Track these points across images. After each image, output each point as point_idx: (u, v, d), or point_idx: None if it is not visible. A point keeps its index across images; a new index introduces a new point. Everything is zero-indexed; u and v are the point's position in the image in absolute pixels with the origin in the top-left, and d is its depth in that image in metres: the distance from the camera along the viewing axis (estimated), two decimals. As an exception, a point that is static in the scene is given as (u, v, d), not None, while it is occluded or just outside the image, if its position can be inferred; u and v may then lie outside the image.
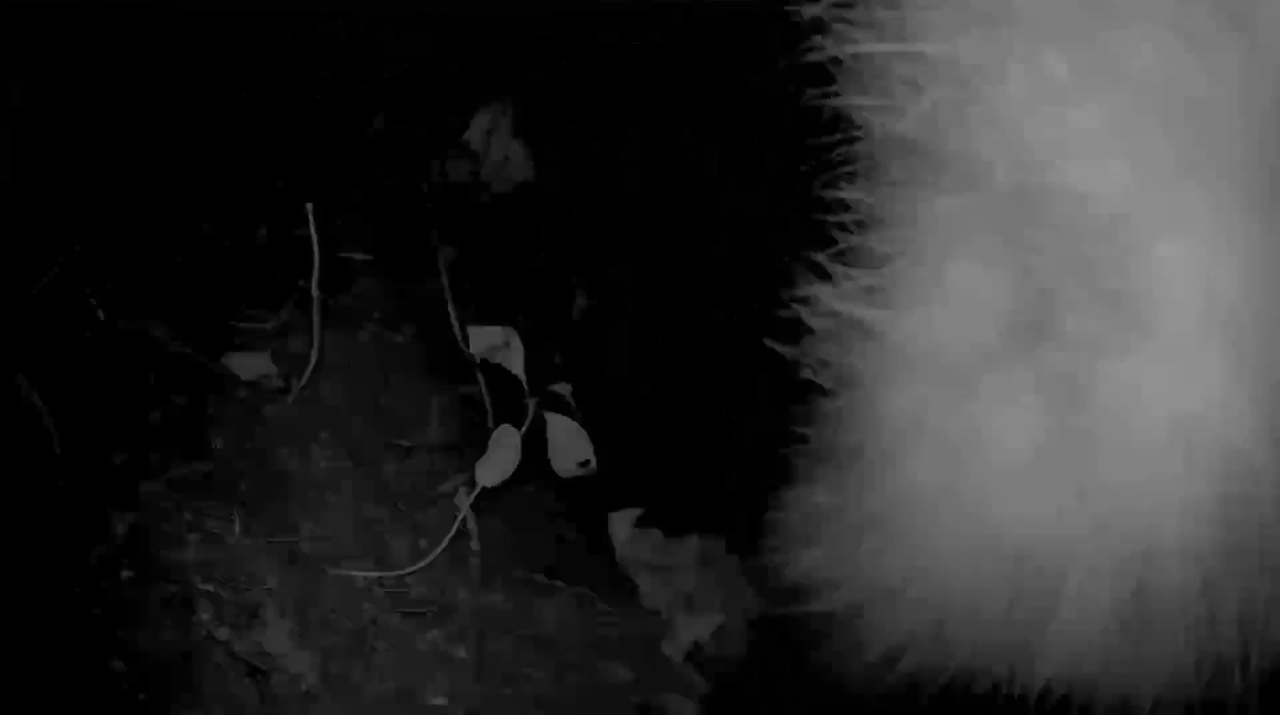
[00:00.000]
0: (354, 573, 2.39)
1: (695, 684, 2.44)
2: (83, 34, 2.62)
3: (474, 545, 2.49)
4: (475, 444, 2.57)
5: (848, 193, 1.99)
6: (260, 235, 2.79)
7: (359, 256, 2.77)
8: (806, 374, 2.15)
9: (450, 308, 2.61)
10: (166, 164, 2.85)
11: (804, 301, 2.08)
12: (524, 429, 2.31)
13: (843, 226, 2.01)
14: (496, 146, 2.94)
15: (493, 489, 2.38)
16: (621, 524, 2.55)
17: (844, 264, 2.01)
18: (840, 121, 2.00)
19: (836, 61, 1.98)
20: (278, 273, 2.63)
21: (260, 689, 2.24)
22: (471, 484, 2.39)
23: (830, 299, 2.03)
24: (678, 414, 2.75)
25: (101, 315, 2.56)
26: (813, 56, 1.99)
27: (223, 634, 2.28)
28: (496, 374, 2.50)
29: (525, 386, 2.32)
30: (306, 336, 2.61)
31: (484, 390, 2.57)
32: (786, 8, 1.99)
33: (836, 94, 1.99)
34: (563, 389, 2.33)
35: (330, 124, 2.83)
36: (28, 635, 2.24)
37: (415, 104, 2.86)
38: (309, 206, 2.35)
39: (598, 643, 2.45)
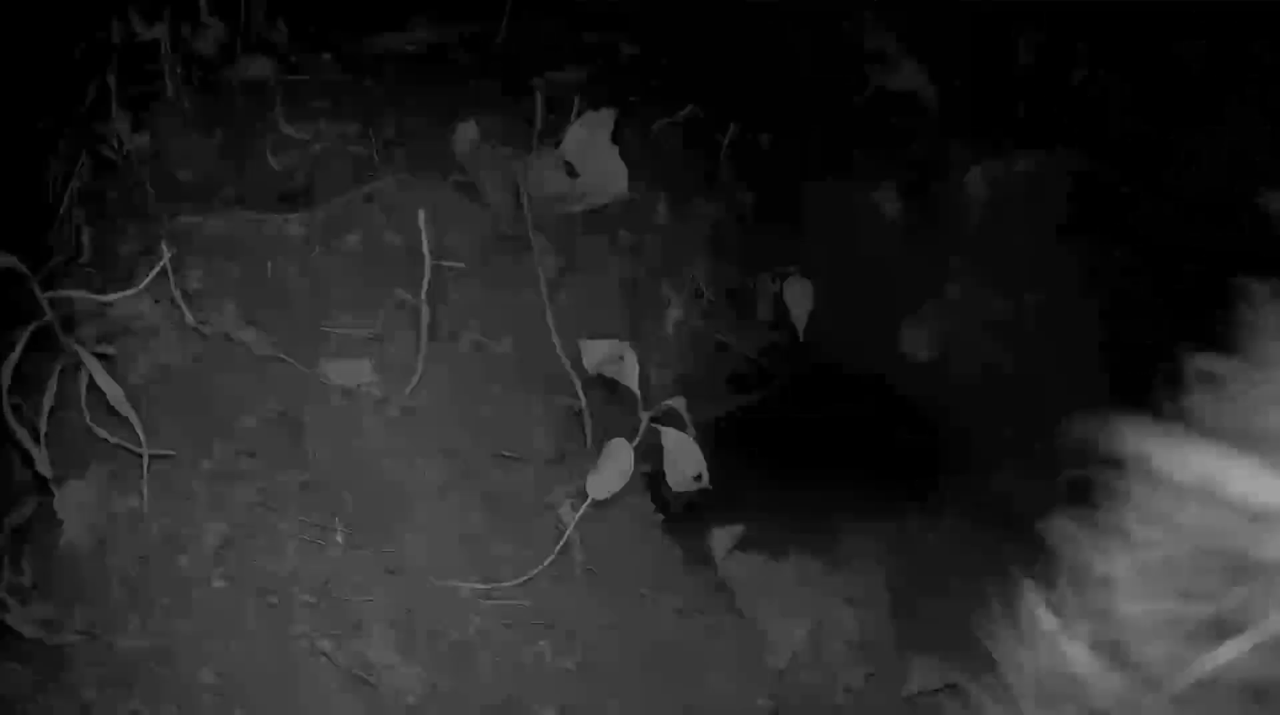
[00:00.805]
0: (459, 584, 2.34)
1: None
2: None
3: (579, 557, 2.45)
4: (577, 456, 2.54)
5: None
6: (351, 240, 2.77)
7: (455, 265, 2.74)
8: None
9: (550, 320, 2.58)
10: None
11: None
12: (636, 442, 2.29)
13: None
14: (594, 157, 2.93)
15: (597, 502, 2.35)
16: (723, 540, 2.53)
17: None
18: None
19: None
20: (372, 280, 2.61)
21: (363, 701, 2.19)
22: (578, 496, 2.36)
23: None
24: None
25: (189, 317, 2.52)
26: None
27: (325, 645, 2.22)
28: (595, 386, 2.48)
29: (639, 400, 2.30)
30: (404, 345, 2.57)
31: (584, 403, 2.54)
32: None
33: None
34: (677, 403, 2.31)
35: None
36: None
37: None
38: (421, 215, 2.32)
39: (699, 654, 2.41)
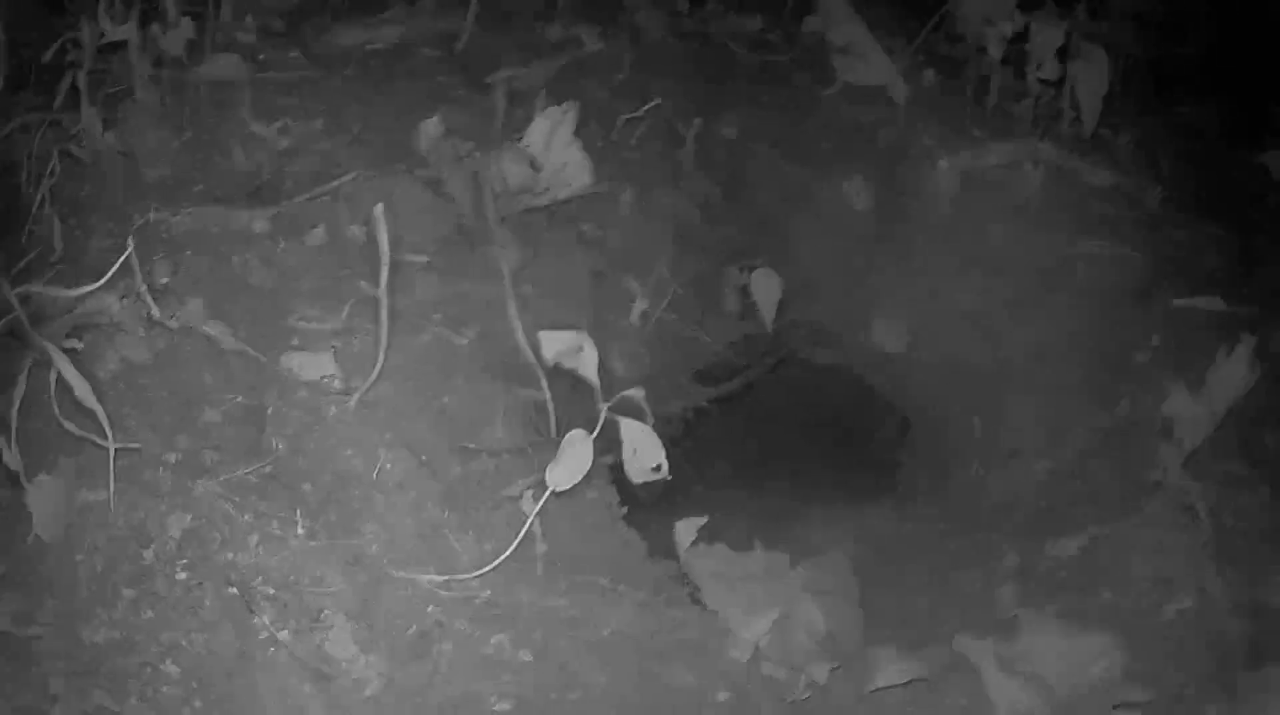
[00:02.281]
0: (419, 576, 2.35)
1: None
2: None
3: (539, 549, 2.45)
4: (540, 448, 2.55)
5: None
6: (315, 234, 2.79)
7: (419, 259, 2.76)
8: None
9: (512, 312, 2.59)
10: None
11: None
12: (596, 433, 2.27)
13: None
14: (555, 151, 2.95)
15: (558, 493, 2.34)
16: (686, 532, 2.53)
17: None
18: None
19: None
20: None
21: (323, 693, 2.19)
22: (538, 487, 2.35)
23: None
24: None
25: (156, 312, 2.54)
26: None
27: (284, 637, 2.22)
28: (558, 378, 2.48)
29: (599, 392, 2.28)
30: (367, 338, 2.58)
31: (548, 394, 2.55)
32: None
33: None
34: (636, 394, 2.30)
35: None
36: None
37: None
38: (379, 208, 2.33)
39: (660, 646, 2.40)
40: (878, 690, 2.44)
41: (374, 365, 2.50)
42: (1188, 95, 4.00)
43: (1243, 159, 3.75)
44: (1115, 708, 2.39)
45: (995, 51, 3.55)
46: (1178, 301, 3.30)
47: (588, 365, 2.30)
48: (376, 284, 2.42)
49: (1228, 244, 3.54)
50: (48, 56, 2.96)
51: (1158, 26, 3.85)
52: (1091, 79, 3.48)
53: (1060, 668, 2.46)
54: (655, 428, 2.35)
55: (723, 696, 2.36)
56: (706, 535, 2.53)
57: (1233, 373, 2.96)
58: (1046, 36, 3.43)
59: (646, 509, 2.61)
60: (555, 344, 2.31)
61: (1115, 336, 3.27)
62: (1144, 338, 3.24)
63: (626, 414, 2.29)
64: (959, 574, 2.90)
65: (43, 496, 2.35)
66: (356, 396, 2.50)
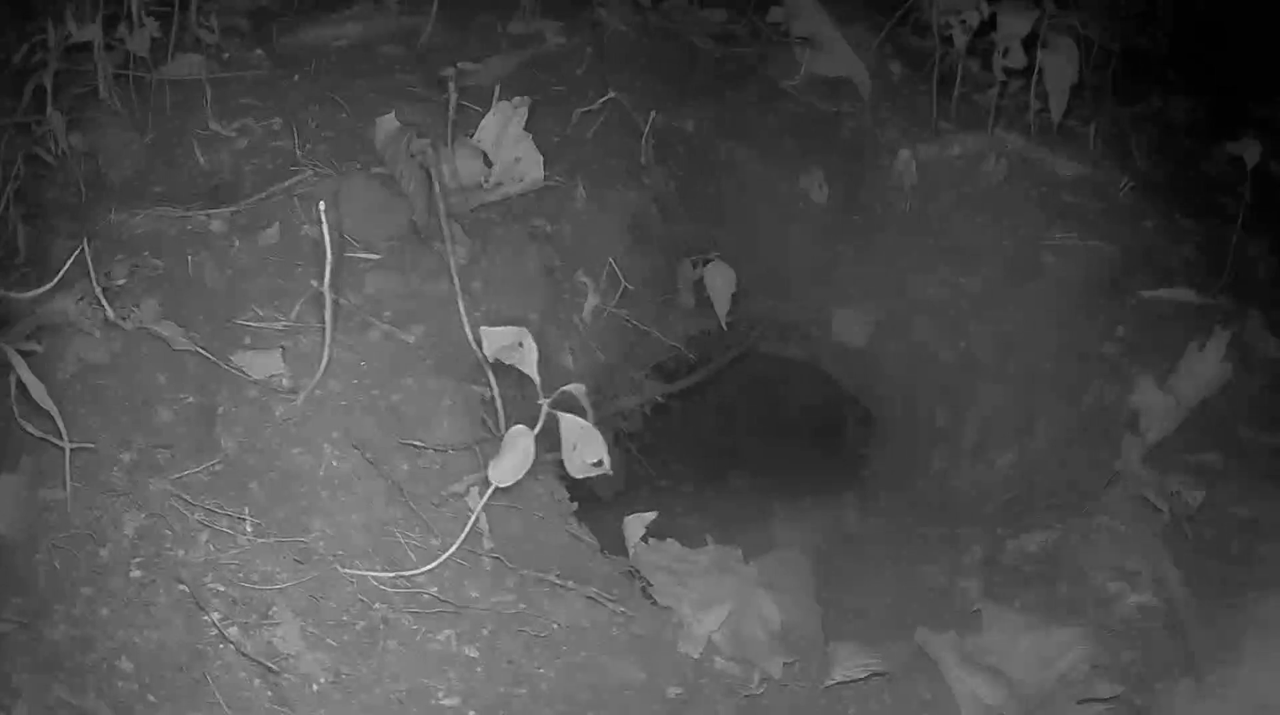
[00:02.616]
0: (366, 572, 2.36)
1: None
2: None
3: (486, 545, 2.46)
4: (487, 444, 2.56)
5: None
6: (269, 233, 2.81)
7: (371, 256, 2.78)
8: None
9: (461, 308, 2.60)
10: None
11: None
12: (537, 429, 2.28)
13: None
14: (507, 146, 2.95)
15: (505, 489, 2.35)
16: (636, 527, 2.53)
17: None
18: None
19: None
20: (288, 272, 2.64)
21: (271, 688, 2.22)
22: (484, 484, 2.36)
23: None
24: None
25: (110, 313, 2.57)
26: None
27: (233, 633, 2.25)
28: (508, 374, 2.48)
29: (539, 387, 2.29)
30: (317, 336, 2.59)
31: (495, 391, 2.55)
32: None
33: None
34: (576, 390, 2.30)
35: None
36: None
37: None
38: (321, 205, 2.34)
39: (609, 642, 2.40)
40: (836, 685, 2.42)
41: (321, 363, 2.52)
42: (1159, 85, 3.97)
43: (1215, 150, 3.71)
44: (1081, 702, 2.38)
45: (961, 42, 3.52)
46: (1146, 293, 3.28)
47: (528, 361, 2.29)
48: (322, 281, 2.43)
49: (1198, 235, 3.51)
50: (17, 59, 2.98)
51: (1128, 17, 3.82)
52: (1059, 69, 3.45)
53: (1026, 662, 2.45)
54: (610, 424, 2.36)
55: (674, 692, 2.36)
56: (656, 530, 2.52)
57: (1204, 367, 2.95)
58: (1013, 26, 3.40)
59: (599, 505, 2.61)
60: (496, 340, 2.31)
61: (1083, 328, 3.25)
62: (1112, 329, 3.22)
63: (568, 409, 2.28)
64: (923, 568, 2.89)
65: (4, 496, 2.38)
66: (304, 395, 2.52)
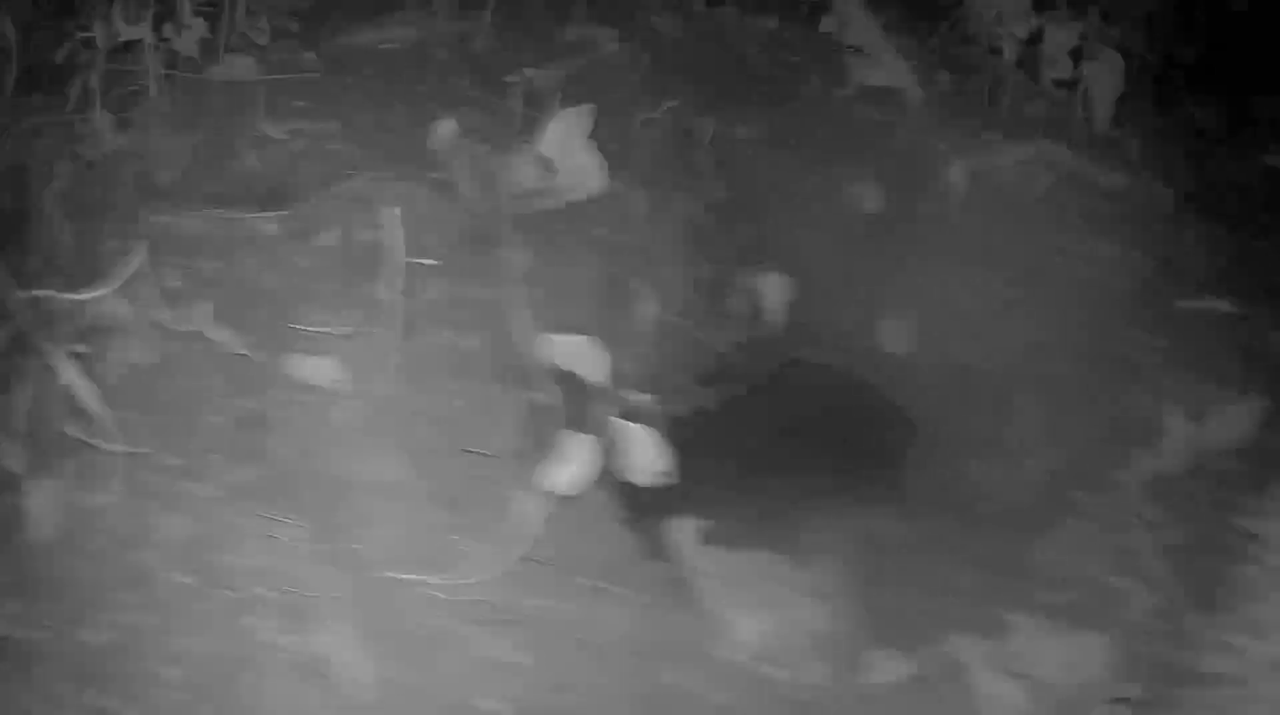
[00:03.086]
0: (419, 579, 2.34)
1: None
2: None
3: (540, 552, 2.44)
4: (545, 451, 2.54)
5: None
6: (324, 237, 2.79)
7: (429, 262, 2.75)
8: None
9: (522, 315, 2.59)
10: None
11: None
12: (600, 438, 2.28)
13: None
14: (571, 153, 2.94)
15: (560, 497, 2.35)
16: (685, 534, 2.53)
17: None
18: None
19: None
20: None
21: (323, 696, 2.20)
22: (540, 491, 2.36)
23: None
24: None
25: (166, 316, 2.55)
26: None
27: (284, 641, 2.23)
28: (568, 382, 2.48)
29: (604, 396, 2.29)
30: (370, 341, 2.58)
31: (556, 398, 2.54)
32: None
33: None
34: (641, 398, 2.30)
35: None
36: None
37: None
38: (396, 211, 2.33)
39: (658, 648, 2.40)
40: (876, 691, 2.45)
41: (380, 369, 2.50)
42: (1196, 97, 3.97)
43: (1251, 161, 3.72)
44: (1110, 703, 2.40)
45: (1009, 53, 3.54)
46: (1184, 303, 3.27)
47: (594, 369, 2.30)
48: (386, 287, 2.42)
49: (1235, 246, 3.50)
50: (59, 57, 2.96)
51: (1168, 27, 3.83)
52: (1105, 81, 3.47)
53: (1054, 667, 2.48)
54: (661, 431, 2.35)
55: (721, 699, 2.37)
56: (703, 537, 2.53)
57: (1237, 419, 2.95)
58: (1060, 38, 3.42)
59: (646, 511, 2.60)
60: (562, 348, 2.31)
61: (1121, 338, 3.24)
62: (1150, 339, 3.22)
63: (632, 418, 2.28)
64: (958, 575, 2.89)
65: (43, 499, 2.36)
66: (360, 400, 2.49)
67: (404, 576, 2.34)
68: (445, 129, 2.91)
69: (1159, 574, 2.64)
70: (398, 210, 2.35)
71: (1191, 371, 3.05)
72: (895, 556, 3.07)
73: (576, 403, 2.54)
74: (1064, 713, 2.41)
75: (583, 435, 2.29)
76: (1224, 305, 3.31)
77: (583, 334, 2.34)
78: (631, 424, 2.29)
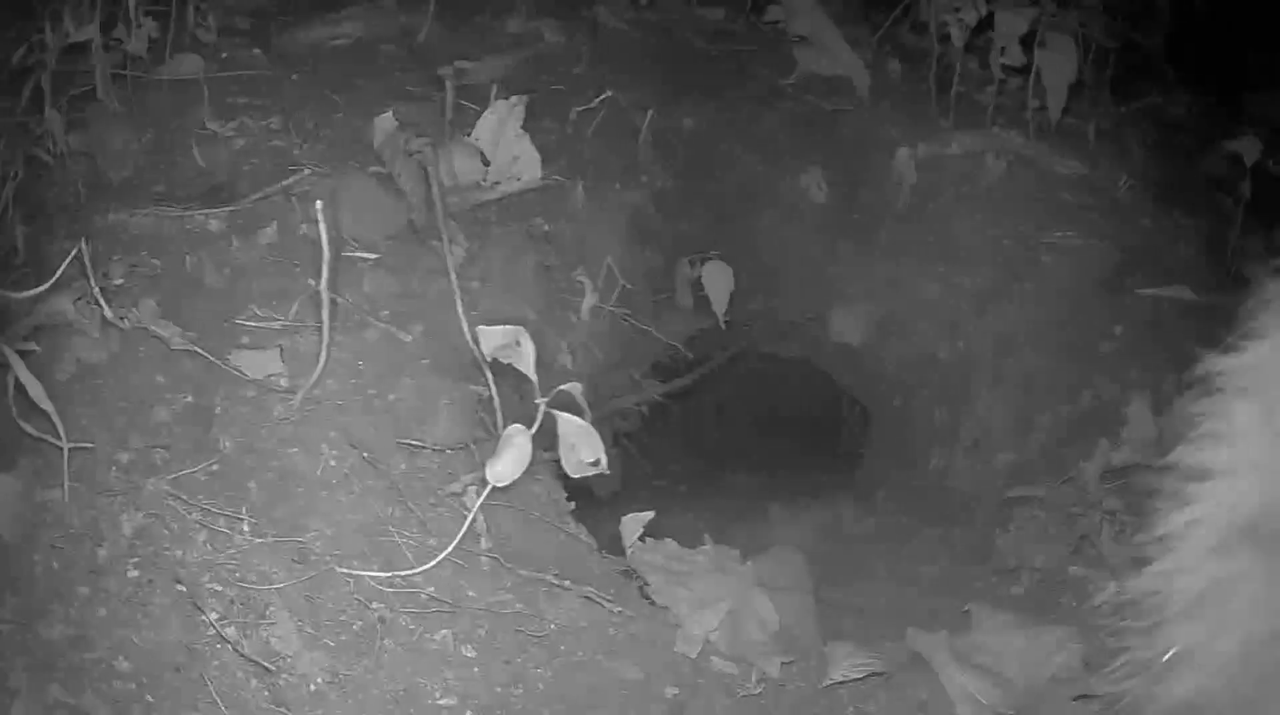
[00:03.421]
0: (363, 572, 2.35)
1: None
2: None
3: (484, 544, 2.46)
4: (484, 443, 2.56)
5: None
6: (267, 233, 2.81)
7: (368, 256, 2.77)
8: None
9: (459, 307, 2.59)
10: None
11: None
12: (535, 429, 2.27)
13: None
14: (505, 145, 2.95)
15: (503, 488, 2.34)
16: (633, 526, 2.52)
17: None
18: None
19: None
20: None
21: (268, 688, 2.21)
22: (480, 483, 2.36)
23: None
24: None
25: (108, 313, 2.57)
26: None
27: (231, 633, 2.24)
28: (506, 374, 2.48)
29: (536, 386, 2.28)
30: (315, 336, 2.58)
31: (493, 390, 2.55)
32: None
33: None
34: (573, 389, 2.29)
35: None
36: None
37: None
38: (318, 204, 2.34)
39: (607, 641, 2.38)
40: (833, 684, 2.40)
41: (318, 362, 2.52)
42: (1157, 84, 3.96)
43: (1213, 148, 3.70)
44: (1076, 699, 2.37)
45: (959, 40, 3.52)
46: (1144, 291, 3.26)
47: (526, 360, 2.28)
48: (316, 280, 2.42)
49: (1196, 233, 3.50)
50: (15, 59, 2.98)
51: (1126, 15, 3.82)
52: (1058, 68, 3.45)
53: (1019, 660, 2.44)
54: (608, 423, 2.35)
55: (671, 692, 2.34)
56: (654, 529, 2.51)
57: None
58: (1011, 24, 3.40)
59: (596, 504, 2.60)
60: (493, 339, 2.30)
61: (1081, 327, 3.23)
62: (1109, 328, 3.21)
63: (565, 409, 2.28)
64: (919, 567, 2.89)
65: (1, 496, 2.38)
66: (301, 394, 2.51)
67: (348, 569, 2.35)
68: (384, 123, 2.92)
69: (1120, 563, 2.62)
70: (319, 203, 2.33)
71: (1153, 360, 3.03)
72: (854, 548, 3.08)
73: (516, 395, 2.55)
74: (1026, 704, 2.36)
75: (515, 427, 2.28)
76: (1186, 293, 3.29)
77: (518, 325, 2.32)
78: (563, 414, 2.27)
